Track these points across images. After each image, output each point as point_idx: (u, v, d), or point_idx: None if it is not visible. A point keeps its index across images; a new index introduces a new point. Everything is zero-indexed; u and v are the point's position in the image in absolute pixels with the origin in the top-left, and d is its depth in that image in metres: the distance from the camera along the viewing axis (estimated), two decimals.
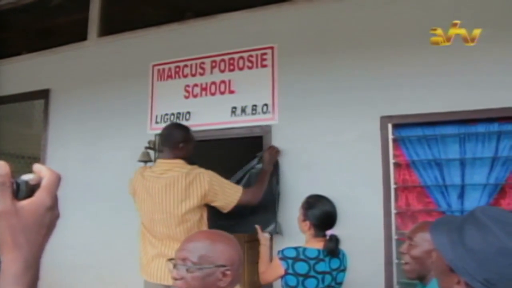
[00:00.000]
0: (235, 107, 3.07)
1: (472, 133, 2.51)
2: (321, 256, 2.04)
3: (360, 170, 2.68)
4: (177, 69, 3.32)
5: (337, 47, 2.88)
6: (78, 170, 3.58)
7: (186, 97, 3.25)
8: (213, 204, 2.41)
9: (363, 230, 2.56)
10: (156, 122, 3.33)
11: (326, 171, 2.76)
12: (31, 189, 0.57)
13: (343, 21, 2.88)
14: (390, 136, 2.64)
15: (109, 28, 3.74)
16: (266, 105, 2.98)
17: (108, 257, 3.33)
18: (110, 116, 3.53)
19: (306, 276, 2.00)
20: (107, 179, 3.44)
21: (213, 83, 3.18)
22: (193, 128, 2.64)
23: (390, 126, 2.64)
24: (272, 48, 3.02)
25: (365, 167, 2.66)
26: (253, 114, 3.01)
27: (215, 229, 1.58)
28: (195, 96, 3.23)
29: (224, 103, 3.11)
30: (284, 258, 2.03)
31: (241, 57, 3.11)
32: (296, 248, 2.04)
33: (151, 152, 3.20)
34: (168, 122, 3.22)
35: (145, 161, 3.11)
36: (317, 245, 2.07)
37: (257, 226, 2.51)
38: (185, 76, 3.28)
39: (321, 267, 2.03)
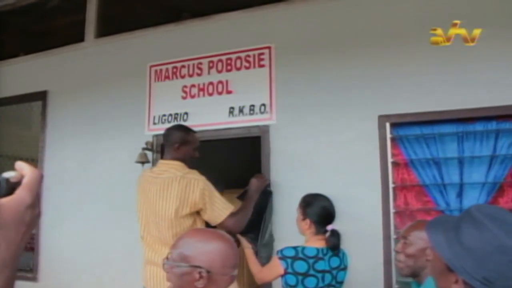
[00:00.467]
0: (232, 108, 3.07)
1: (470, 132, 2.51)
2: (320, 255, 2.06)
3: (358, 169, 2.67)
4: (175, 70, 3.31)
5: (334, 46, 2.87)
6: (76, 171, 3.58)
7: (184, 98, 3.25)
8: (202, 214, 2.32)
9: (362, 229, 2.55)
10: (154, 123, 3.32)
11: (324, 171, 2.76)
12: (12, 187, 0.56)
13: (340, 20, 2.88)
14: (388, 135, 2.64)
15: (106, 29, 3.73)
16: (263, 105, 2.98)
17: (106, 259, 3.33)
18: (107, 117, 3.53)
19: (305, 275, 2.01)
20: (105, 180, 3.44)
21: (211, 83, 3.17)
22: None
23: (388, 125, 2.64)
24: (269, 48, 3.02)
25: (363, 166, 2.66)
26: (251, 114, 3.01)
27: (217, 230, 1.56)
28: (192, 96, 3.23)
29: (221, 104, 3.10)
30: (283, 258, 2.04)
31: (239, 57, 3.10)
32: (295, 248, 2.06)
33: (149, 153, 3.20)
34: (166, 123, 3.21)
35: (143, 162, 3.11)
36: (317, 244, 2.09)
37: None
38: (183, 77, 3.28)
39: (320, 265, 2.04)
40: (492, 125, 2.48)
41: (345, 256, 2.16)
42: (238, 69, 3.10)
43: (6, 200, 0.55)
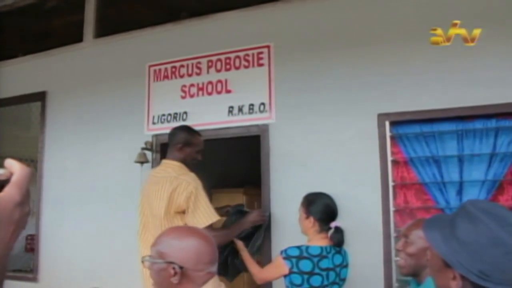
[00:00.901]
0: (232, 107, 3.06)
1: (470, 130, 2.50)
2: (324, 253, 2.08)
3: (358, 168, 2.67)
4: (173, 69, 3.31)
5: (334, 45, 2.87)
6: (75, 171, 3.58)
7: (183, 97, 3.25)
8: (185, 217, 2.28)
9: (362, 227, 2.55)
10: (153, 123, 3.32)
11: (324, 169, 2.76)
12: (1, 185, 0.55)
13: (339, 19, 2.88)
14: (388, 134, 2.63)
15: (104, 29, 3.73)
16: (263, 104, 2.97)
17: (107, 258, 3.33)
18: (107, 117, 3.52)
19: (311, 273, 2.03)
20: (104, 180, 3.44)
21: (210, 82, 3.17)
22: None
23: (387, 123, 2.64)
24: (268, 47, 3.01)
25: (363, 165, 2.66)
26: (250, 113, 3.00)
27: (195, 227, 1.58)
28: (191, 96, 3.23)
29: (221, 103, 3.10)
30: (288, 258, 2.05)
31: (237, 56, 3.10)
32: (298, 247, 2.07)
33: (148, 153, 3.20)
34: (165, 123, 3.23)
35: (142, 162, 3.11)
36: (320, 242, 2.11)
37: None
38: (182, 76, 3.28)
39: (325, 263, 2.06)
40: (492, 123, 2.47)
41: (347, 254, 2.19)
42: (237, 68, 3.10)
43: None
